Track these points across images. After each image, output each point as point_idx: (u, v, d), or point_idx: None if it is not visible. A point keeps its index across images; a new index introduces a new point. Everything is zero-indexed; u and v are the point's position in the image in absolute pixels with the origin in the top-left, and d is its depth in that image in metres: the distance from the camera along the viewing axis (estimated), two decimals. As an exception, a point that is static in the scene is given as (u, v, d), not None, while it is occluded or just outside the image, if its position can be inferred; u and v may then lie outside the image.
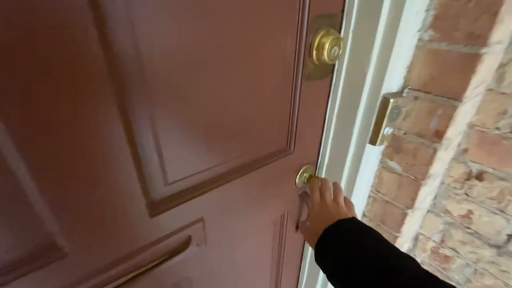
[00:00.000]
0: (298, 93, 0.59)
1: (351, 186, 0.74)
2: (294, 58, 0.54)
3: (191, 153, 0.48)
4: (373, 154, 0.70)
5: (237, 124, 0.52)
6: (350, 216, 0.42)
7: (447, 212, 0.81)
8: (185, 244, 0.55)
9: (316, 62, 0.56)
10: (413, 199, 0.68)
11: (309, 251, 0.97)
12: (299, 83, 0.57)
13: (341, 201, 0.48)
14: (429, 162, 0.62)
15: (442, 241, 0.85)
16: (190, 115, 0.44)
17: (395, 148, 0.68)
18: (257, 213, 0.69)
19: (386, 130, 0.62)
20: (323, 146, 0.74)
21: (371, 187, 0.78)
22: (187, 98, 0.43)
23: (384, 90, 0.59)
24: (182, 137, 0.45)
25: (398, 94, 0.62)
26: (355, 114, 0.63)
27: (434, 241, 0.87)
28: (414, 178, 0.67)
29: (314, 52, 0.54)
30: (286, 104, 0.59)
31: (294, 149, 0.67)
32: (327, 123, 0.70)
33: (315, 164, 0.76)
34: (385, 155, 0.71)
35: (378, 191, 0.76)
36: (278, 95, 0.56)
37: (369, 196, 0.79)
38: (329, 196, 0.50)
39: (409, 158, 0.66)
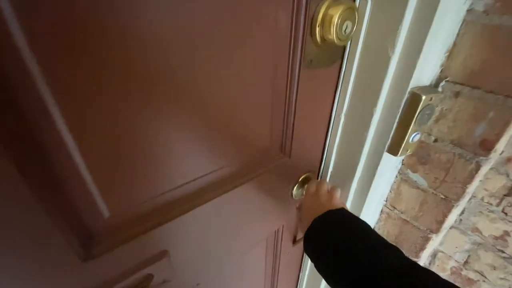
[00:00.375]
0: (295, 85, 0.44)
1: (361, 200, 0.60)
2: (290, 38, 0.39)
3: (146, 169, 0.34)
4: (390, 163, 0.55)
5: (214, 127, 0.38)
6: (340, 207, 0.42)
7: (476, 230, 0.66)
8: (145, 282, 0.42)
9: (320, 43, 0.40)
10: (440, 223, 0.54)
11: (308, 263, 0.85)
12: (296, 72, 0.42)
13: (336, 193, 0.46)
14: (468, 180, 0.47)
15: (466, 262, 0.72)
16: (142, 114, 0.31)
17: (420, 157, 0.53)
18: (244, 233, 0.56)
19: (412, 137, 0.46)
20: (327, 151, 0.59)
21: (385, 201, 0.63)
22: (144, 88, 0.29)
23: (414, 83, 0.43)
24: (129, 147, 0.31)
25: (431, 88, 0.46)
26: (371, 114, 0.47)
27: (456, 261, 0.74)
28: (443, 197, 0.52)
29: (318, 29, 0.38)
30: (279, 99, 0.45)
31: (290, 155, 0.53)
32: (334, 123, 0.54)
33: (318, 172, 0.62)
34: (407, 165, 0.56)
35: (394, 207, 0.62)
36: (268, 88, 0.41)
37: (382, 211, 0.65)
38: (325, 188, 0.48)
39: (439, 171, 0.51)
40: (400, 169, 0.57)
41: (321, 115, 0.53)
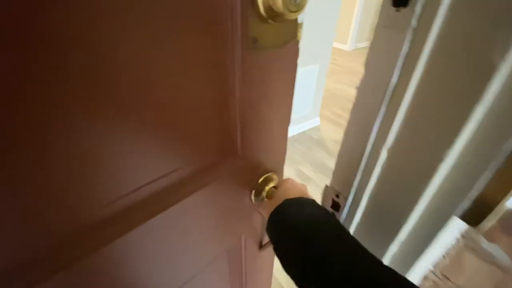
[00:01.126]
0: (239, 73, 0.29)
1: (402, 268, 0.41)
2: (228, 8, 0.21)
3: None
4: (453, 223, 0.36)
5: (139, 127, 0.23)
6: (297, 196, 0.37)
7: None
8: None
9: (266, 16, 0.24)
10: (528, 321, 0.35)
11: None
12: (239, 55, 0.26)
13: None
14: None
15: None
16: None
17: (506, 224, 0.33)
18: (193, 255, 0.41)
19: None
20: (354, 195, 0.40)
21: (433, 266, 0.44)
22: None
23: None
24: None
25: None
26: (438, 159, 0.28)
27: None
28: (542, 289, 0.33)
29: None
30: (224, 91, 0.30)
31: (244, 156, 0.38)
32: (369, 157, 0.35)
33: (283, 170, 0.46)
34: (479, 228, 0.37)
35: (447, 278, 0.43)
36: (206, 76, 0.27)
37: (426, 277, 0.47)
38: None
39: (541, 251, 0.32)
40: (466, 232, 0.38)
41: (279, 109, 0.36)
